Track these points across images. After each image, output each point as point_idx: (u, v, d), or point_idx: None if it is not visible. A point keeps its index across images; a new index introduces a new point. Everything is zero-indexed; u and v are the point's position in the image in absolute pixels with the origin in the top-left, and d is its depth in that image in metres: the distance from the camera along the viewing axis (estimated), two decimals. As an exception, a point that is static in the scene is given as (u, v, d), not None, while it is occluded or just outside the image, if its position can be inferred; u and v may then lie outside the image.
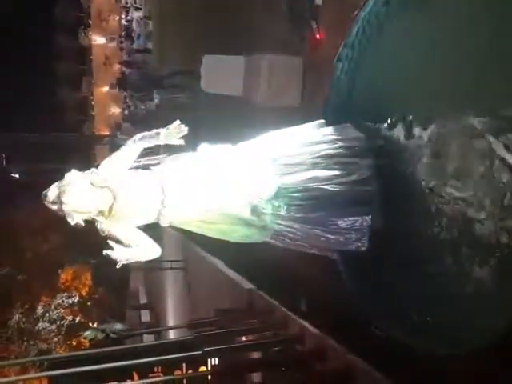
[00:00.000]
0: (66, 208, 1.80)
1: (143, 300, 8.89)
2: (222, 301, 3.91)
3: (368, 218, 2.05)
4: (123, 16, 11.31)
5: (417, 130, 1.90)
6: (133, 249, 1.94)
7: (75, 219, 1.83)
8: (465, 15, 1.62)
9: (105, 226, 1.91)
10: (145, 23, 9.13)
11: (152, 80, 6.14)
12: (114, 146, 8.59)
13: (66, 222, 1.84)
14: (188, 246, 5.30)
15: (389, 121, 2.01)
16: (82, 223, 1.85)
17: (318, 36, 2.82)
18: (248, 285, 3.45)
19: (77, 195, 1.82)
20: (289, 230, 2.05)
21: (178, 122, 1.96)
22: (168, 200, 1.95)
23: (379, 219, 2.07)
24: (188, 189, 1.98)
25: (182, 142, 1.97)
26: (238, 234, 2.08)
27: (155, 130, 1.95)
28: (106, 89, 12.17)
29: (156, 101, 6.13)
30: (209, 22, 4.77)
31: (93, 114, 12.62)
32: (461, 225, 1.73)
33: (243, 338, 2.92)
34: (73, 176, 1.85)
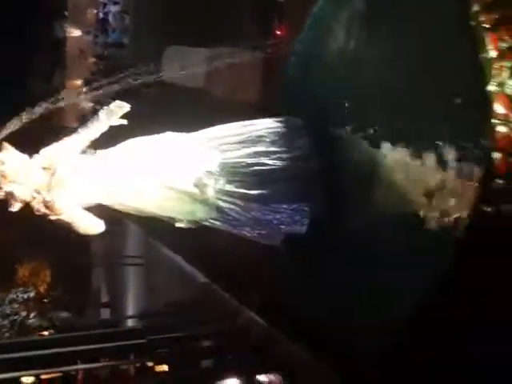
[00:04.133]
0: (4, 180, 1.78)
1: (104, 298, 8.67)
2: (179, 296, 3.92)
3: (310, 198, 2.10)
4: (100, 9, 11.14)
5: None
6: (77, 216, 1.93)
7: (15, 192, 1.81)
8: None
9: (47, 198, 1.89)
10: (121, 17, 9.05)
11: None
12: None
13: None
14: (148, 242, 5.28)
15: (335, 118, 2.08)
16: (25, 198, 1.83)
17: (279, 32, 2.89)
18: (203, 279, 3.48)
19: (16, 164, 1.80)
20: (232, 206, 2.08)
21: (118, 101, 1.98)
22: (110, 182, 1.96)
23: (321, 201, 2.12)
24: (131, 169, 2.01)
25: (124, 121, 1.99)
26: (181, 211, 2.10)
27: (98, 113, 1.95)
28: (79, 82, 11.92)
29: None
30: (178, 16, 4.80)
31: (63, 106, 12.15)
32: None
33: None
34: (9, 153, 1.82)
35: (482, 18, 1.24)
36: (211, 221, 2.11)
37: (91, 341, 2.85)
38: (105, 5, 10.83)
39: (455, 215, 1.29)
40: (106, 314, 7.40)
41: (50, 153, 1.88)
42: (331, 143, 2.09)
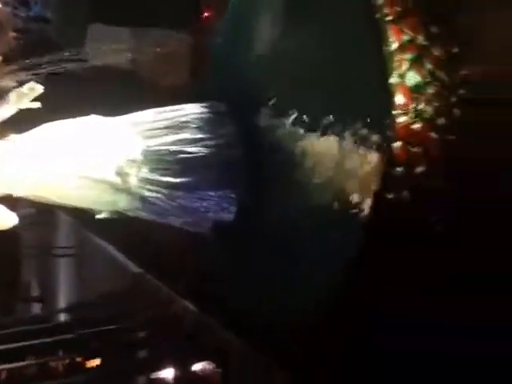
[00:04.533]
0: None
1: (35, 292, 8.19)
2: (112, 286, 3.81)
3: (235, 185, 2.09)
4: (20, -21, 10.10)
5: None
6: None
7: None
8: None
9: None
10: (43, -11, 8.31)
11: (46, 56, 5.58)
12: None
13: None
14: (80, 231, 5.05)
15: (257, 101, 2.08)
16: None
17: (206, 14, 2.82)
18: (136, 269, 3.41)
19: None
20: (157, 195, 2.02)
21: (31, 82, 1.84)
22: (25, 170, 1.84)
23: (247, 187, 2.12)
24: (47, 157, 1.88)
25: (37, 104, 1.85)
26: (102, 201, 2.01)
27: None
28: (-3, 58, 10.71)
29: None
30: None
31: (-20, 85, 11.07)
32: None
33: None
34: None
35: (385, 11, 1.28)
36: (135, 211, 2.05)
37: (16, 338, 2.70)
38: (25, -26, 9.90)
39: (358, 200, 1.35)
40: (37, 308, 7.04)
41: None
42: (255, 129, 2.09)
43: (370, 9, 1.30)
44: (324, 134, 1.70)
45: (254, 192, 2.12)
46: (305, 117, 1.83)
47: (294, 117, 1.91)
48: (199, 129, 2.03)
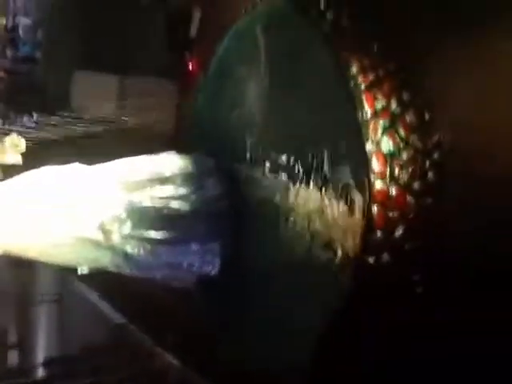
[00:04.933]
0: None
1: (13, 339, 7.86)
2: (93, 336, 3.69)
3: (219, 238, 2.08)
4: (9, 20, 10.34)
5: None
6: None
7: None
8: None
9: None
10: (33, 31, 8.48)
11: (33, 96, 5.65)
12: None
13: None
14: (62, 276, 4.92)
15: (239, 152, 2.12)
16: None
17: (190, 66, 2.90)
18: (119, 319, 3.33)
19: None
20: (140, 251, 2.00)
21: (14, 134, 1.84)
22: (2, 225, 1.79)
23: (232, 239, 2.12)
24: (25, 211, 1.85)
25: (18, 159, 1.84)
26: (83, 258, 1.97)
27: None
28: (-17, 98, 10.80)
29: (35, 117, 5.66)
30: (92, 39, 4.64)
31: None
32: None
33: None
34: None
35: (359, 79, 1.34)
36: (118, 267, 2.02)
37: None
38: (15, 15, 10.11)
39: (339, 251, 1.37)
40: (14, 357, 6.75)
41: None
42: (238, 182, 2.12)
43: (342, 78, 1.35)
44: (303, 184, 1.73)
45: (238, 244, 2.12)
46: (284, 168, 1.87)
47: (273, 169, 1.94)
48: (183, 182, 2.03)
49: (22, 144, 1.84)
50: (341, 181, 1.42)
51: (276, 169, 1.92)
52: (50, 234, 1.86)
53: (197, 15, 2.85)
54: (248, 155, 2.08)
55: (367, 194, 1.30)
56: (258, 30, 1.79)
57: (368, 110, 1.30)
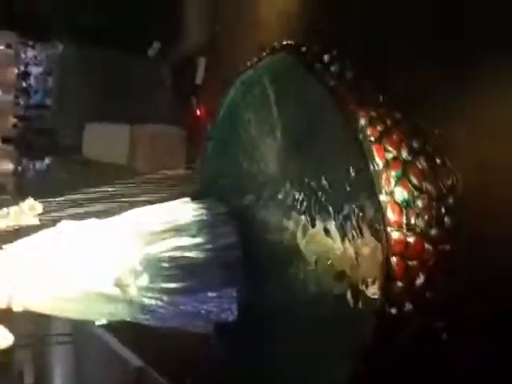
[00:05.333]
0: None
1: (29, 380, 7.79)
2: (110, 380, 3.63)
3: (236, 284, 2.07)
4: (22, 69, 10.78)
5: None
6: None
7: None
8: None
9: None
10: (44, 79, 8.82)
11: (45, 141, 5.85)
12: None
13: None
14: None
15: (250, 196, 2.15)
16: None
17: (198, 112, 2.98)
18: (138, 362, 3.28)
19: None
20: (157, 302, 2.00)
21: (30, 199, 1.88)
22: (21, 282, 1.81)
23: (247, 286, 2.10)
24: (44, 269, 1.87)
25: (36, 221, 1.88)
26: (101, 312, 1.97)
27: (5, 210, 1.84)
28: (-3, 143, 11.15)
29: (47, 161, 5.81)
30: (101, 88, 4.80)
31: (-20, 169, 11.40)
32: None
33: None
34: None
35: (368, 132, 1.36)
36: (135, 318, 2.01)
37: None
38: (27, 65, 10.55)
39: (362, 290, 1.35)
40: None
41: None
42: (250, 225, 2.13)
43: (350, 131, 1.38)
44: (316, 225, 1.73)
45: (256, 288, 2.10)
46: (298, 212, 1.88)
47: (287, 213, 1.95)
48: (198, 231, 2.04)
49: (39, 207, 1.88)
50: (357, 229, 1.42)
51: (290, 213, 1.93)
52: (67, 290, 1.87)
53: (202, 63, 2.95)
54: (260, 200, 2.10)
55: (385, 244, 1.29)
56: (266, 82, 1.85)
57: (379, 162, 1.32)
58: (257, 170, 2.12)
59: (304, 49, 1.67)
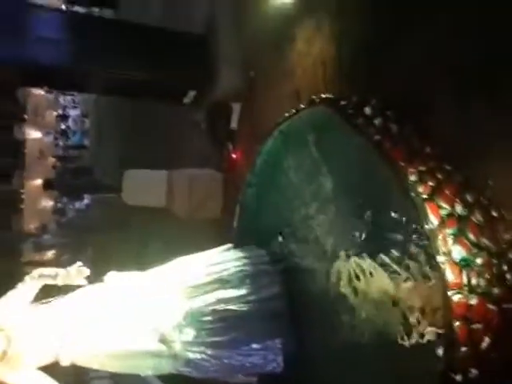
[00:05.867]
0: None
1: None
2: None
3: (280, 335, 2.04)
4: (60, 112, 11.44)
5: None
6: None
7: None
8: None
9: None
10: (81, 121, 9.30)
11: (83, 182, 6.12)
12: (39, 247, 8.14)
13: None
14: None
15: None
16: None
17: (234, 156, 3.02)
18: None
19: None
20: (202, 356, 1.97)
21: (79, 263, 1.92)
22: (68, 337, 1.83)
23: (292, 335, 2.06)
24: (90, 323, 1.88)
25: (83, 282, 1.91)
26: (146, 367, 1.96)
27: (55, 270, 1.89)
28: (38, 182, 11.80)
29: (86, 200, 6.03)
30: (137, 135, 4.97)
31: (22, 207, 11.98)
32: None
33: None
34: None
35: (419, 189, 1.32)
36: (180, 371, 1.99)
37: None
38: (65, 108, 11.20)
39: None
40: None
41: None
42: (294, 274, 2.09)
43: (403, 187, 1.35)
44: (368, 273, 1.67)
45: (301, 338, 2.04)
46: (347, 258, 1.82)
47: (335, 258, 1.90)
48: (241, 283, 2.03)
49: (86, 272, 1.92)
50: (414, 283, 1.36)
51: (336, 260, 1.88)
52: (113, 346, 1.87)
53: (236, 108, 3.01)
54: (302, 247, 2.07)
55: (446, 307, 1.23)
56: (307, 134, 1.85)
57: (434, 221, 1.27)
58: (299, 217, 2.11)
59: (344, 102, 1.67)
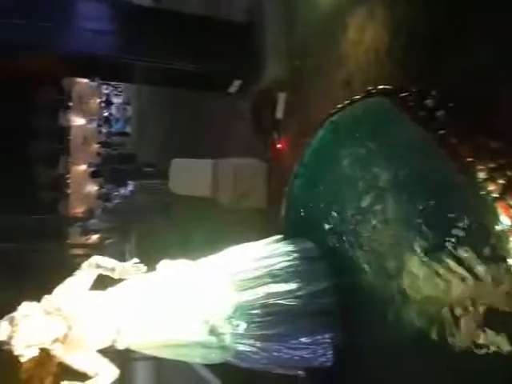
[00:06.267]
0: (18, 347, 1.73)
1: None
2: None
3: (330, 330, 2.03)
4: (103, 100, 11.75)
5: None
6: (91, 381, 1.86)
7: (27, 355, 1.75)
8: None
9: (60, 354, 1.84)
10: (124, 109, 9.52)
11: (127, 167, 6.28)
12: (85, 231, 8.51)
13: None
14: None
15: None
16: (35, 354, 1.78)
17: (279, 145, 2.99)
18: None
19: (30, 330, 1.75)
20: (251, 349, 2.00)
21: (135, 259, 1.97)
22: (124, 323, 1.91)
23: (341, 330, 2.05)
24: (144, 311, 1.96)
25: (138, 278, 1.96)
26: (196, 356, 2.02)
27: (112, 264, 1.95)
28: (82, 167, 12.28)
29: (130, 187, 6.22)
30: (181, 123, 5.01)
31: (68, 192, 12.54)
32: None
33: None
34: (24, 310, 1.79)
35: (489, 188, 1.26)
36: (228, 361, 2.04)
37: None
38: (108, 95, 11.51)
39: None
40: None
41: (56, 298, 1.84)
42: (345, 268, 2.06)
43: (471, 185, 1.29)
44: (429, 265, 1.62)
45: (350, 333, 2.03)
46: (408, 250, 1.77)
47: (391, 250, 1.85)
48: (291, 277, 2.02)
49: (142, 268, 1.97)
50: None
51: (393, 252, 1.81)
52: (165, 334, 1.93)
53: (282, 98, 2.97)
54: (354, 239, 2.02)
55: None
56: (362, 125, 1.80)
57: (506, 221, 1.21)
58: (351, 208, 2.05)
59: (403, 93, 1.60)
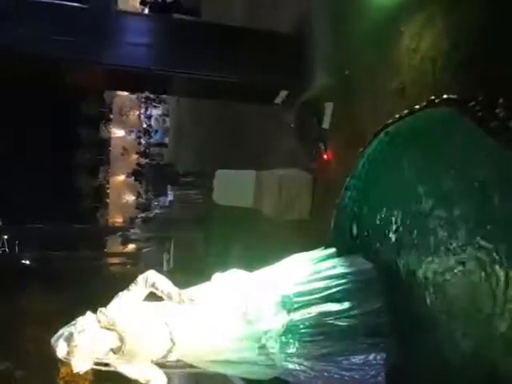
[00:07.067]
0: (75, 363, 1.75)
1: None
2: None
3: (383, 351, 1.95)
4: (142, 111, 12.12)
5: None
6: None
7: (84, 369, 1.77)
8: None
9: (114, 364, 1.85)
10: (163, 120, 9.78)
11: (167, 176, 6.40)
12: (126, 240, 8.70)
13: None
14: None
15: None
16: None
17: (325, 156, 2.95)
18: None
19: (87, 346, 1.75)
20: (300, 367, 1.95)
21: (190, 290, 1.95)
22: (177, 336, 1.90)
23: (395, 351, 1.97)
24: (197, 324, 1.94)
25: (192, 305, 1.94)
26: (244, 372, 1.98)
27: (169, 289, 1.92)
28: (121, 177, 12.65)
29: (170, 197, 6.32)
30: (222, 134, 5.03)
31: (107, 201, 12.95)
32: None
33: None
34: (80, 326, 1.80)
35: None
36: (277, 378, 1.99)
37: None
38: (147, 108, 11.87)
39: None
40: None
41: (111, 312, 1.86)
42: (398, 285, 1.97)
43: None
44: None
45: (404, 355, 1.93)
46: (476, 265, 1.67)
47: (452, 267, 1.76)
48: (344, 297, 1.95)
49: (196, 299, 1.92)
50: None
51: (456, 267, 1.72)
52: (215, 349, 1.91)
53: (329, 108, 2.93)
54: (410, 254, 1.94)
55: None
56: (426, 135, 1.73)
57: None
58: (407, 220, 1.97)
59: (472, 103, 1.53)
